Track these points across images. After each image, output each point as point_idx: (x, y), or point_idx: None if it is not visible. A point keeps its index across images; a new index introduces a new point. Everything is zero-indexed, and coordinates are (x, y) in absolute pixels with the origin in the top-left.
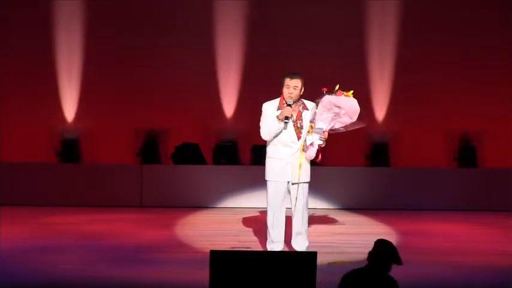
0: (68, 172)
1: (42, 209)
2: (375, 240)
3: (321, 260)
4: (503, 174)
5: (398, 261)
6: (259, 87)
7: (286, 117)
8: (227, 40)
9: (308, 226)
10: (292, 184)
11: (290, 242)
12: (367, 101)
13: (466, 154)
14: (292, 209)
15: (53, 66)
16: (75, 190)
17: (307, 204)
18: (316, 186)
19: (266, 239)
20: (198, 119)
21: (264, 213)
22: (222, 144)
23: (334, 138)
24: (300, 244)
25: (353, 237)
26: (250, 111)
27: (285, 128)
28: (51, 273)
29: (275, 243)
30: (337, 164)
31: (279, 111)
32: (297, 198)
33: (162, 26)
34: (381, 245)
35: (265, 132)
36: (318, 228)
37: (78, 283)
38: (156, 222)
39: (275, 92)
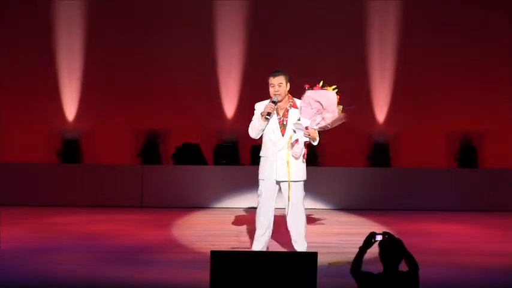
0: (68, 172)
1: (42, 209)
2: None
3: (321, 260)
4: (504, 174)
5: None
6: (259, 87)
7: (268, 113)
8: (227, 40)
9: (305, 227)
10: (282, 182)
11: (291, 242)
12: (368, 101)
13: (467, 154)
14: (286, 209)
15: (53, 66)
16: (75, 190)
17: (302, 204)
18: (316, 187)
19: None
20: (199, 119)
21: None
22: (222, 145)
23: (334, 138)
24: (298, 246)
25: (353, 237)
26: (250, 111)
27: (267, 124)
28: (51, 273)
29: (260, 242)
30: (337, 164)
31: None
32: (289, 198)
33: (163, 26)
34: (389, 245)
35: (250, 129)
36: (318, 228)
37: (78, 283)
38: (157, 223)
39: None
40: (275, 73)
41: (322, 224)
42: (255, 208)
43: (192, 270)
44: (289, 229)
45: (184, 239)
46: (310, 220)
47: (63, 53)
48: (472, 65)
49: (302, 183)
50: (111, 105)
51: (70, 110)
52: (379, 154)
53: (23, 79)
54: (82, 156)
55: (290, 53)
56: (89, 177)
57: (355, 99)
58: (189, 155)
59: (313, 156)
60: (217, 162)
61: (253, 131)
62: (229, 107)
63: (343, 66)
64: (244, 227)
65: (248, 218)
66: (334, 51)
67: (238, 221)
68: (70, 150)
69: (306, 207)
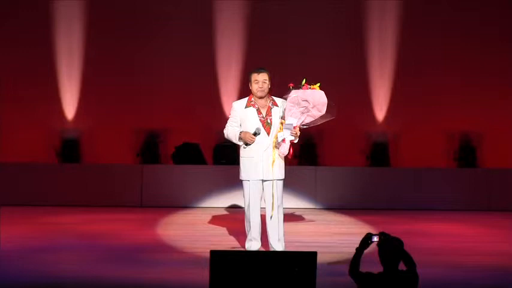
0: (68, 172)
1: (42, 209)
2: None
3: (320, 260)
4: (503, 174)
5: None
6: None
7: (246, 143)
8: (227, 40)
9: (284, 226)
10: (265, 181)
11: (268, 242)
12: (367, 101)
13: (466, 154)
14: (267, 208)
15: (53, 66)
16: (75, 190)
17: (282, 203)
18: (316, 186)
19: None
20: (198, 119)
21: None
22: (222, 144)
23: (334, 138)
24: (277, 245)
25: (353, 237)
26: None
27: (244, 147)
28: (51, 273)
29: (253, 241)
30: (337, 164)
31: (247, 109)
32: (272, 196)
33: (162, 26)
34: (388, 246)
35: (226, 133)
36: (317, 228)
37: (78, 283)
38: (156, 222)
39: (274, 92)
40: (259, 70)
41: (322, 223)
42: None
43: (192, 270)
44: (268, 228)
45: (184, 239)
46: (310, 220)
47: (63, 53)
48: (472, 65)
49: (283, 181)
50: (111, 105)
51: (69, 109)
52: (378, 154)
53: (23, 79)
54: (82, 156)
55: (289, 53)
56: (88, 177)
57: (355, 99)
58: (188, 154)
59: (313, 156)
60: (216, 162)
61: (229, 139)
62: (229, 107)
63: (343, 66)
64: (244, 227)
65: None
66: (334, 51)
67: (238, 221)
68: (70, 150)
69: (306, 207)
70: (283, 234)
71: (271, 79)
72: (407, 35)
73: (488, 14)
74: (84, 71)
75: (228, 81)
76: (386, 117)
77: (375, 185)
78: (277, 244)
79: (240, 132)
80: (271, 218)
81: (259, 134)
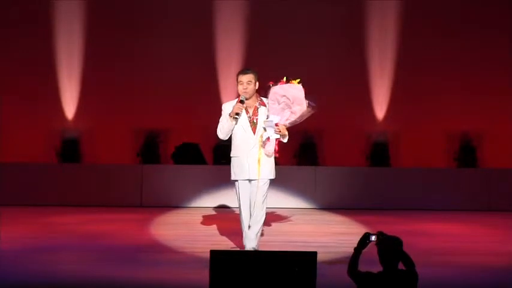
0: (68, 172)
1: (42, 209)
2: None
3: (320, 260)
4: (503, 174)
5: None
6: (258, 87)
7: (237, 113)
8: (227, 40)
9: (262, 225)
10: (252, 181)
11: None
12: (367, 101)
13: (466, 154)
14: (251, 205)
15: (53, 66)
16: (75, 190)
17: (264, 202)
18: (316, 186)
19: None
20: (198, 119)
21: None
22: (222, 144)
23: (334, 138)
24: (250, 242)
25: (352, 237)
26: None
27: (235, 124)
28: (51, 273)
29: (249, 239)
30: (337, 164)
31: None
32: (256, 195)
33: (162, 26)
34: (387, 245)
35: (218, 130)
36: (317, 228)
37: (78, 283)
38: (156, 222)
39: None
40: (245, 71)
41: (322, 223)
42: None
43: (192, 270)
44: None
45: (184, 239)
46: (310, 220)
47: (63, 53)
48: (472, 65)
49: (269, 181)
50: (111, 105)
51: (70, 109)
52: (378, 154)
53: (23, 79)
54: (82, 155)
55: (289, 52)
56: (88, 177)
57: (355, 98)
58: (188, 154)
59: (313, 156)
60: (216, 162)
61: (222, 132)
62: None
63: (343, 65)
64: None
65: None
66: (334, 50)
67: (237, 221)
68: (70, 149)
69: (305, 207)
70: (259, 234)
71: (258, 80)
72: (407, 35)
73: (488, 14)
74: (84, 71)
75: (228, 81)
76: (386, 117)
77: (374, 185)
78: (251, 242)
79: (228, 114)
80: (250, 217)
81: (244, 100)
